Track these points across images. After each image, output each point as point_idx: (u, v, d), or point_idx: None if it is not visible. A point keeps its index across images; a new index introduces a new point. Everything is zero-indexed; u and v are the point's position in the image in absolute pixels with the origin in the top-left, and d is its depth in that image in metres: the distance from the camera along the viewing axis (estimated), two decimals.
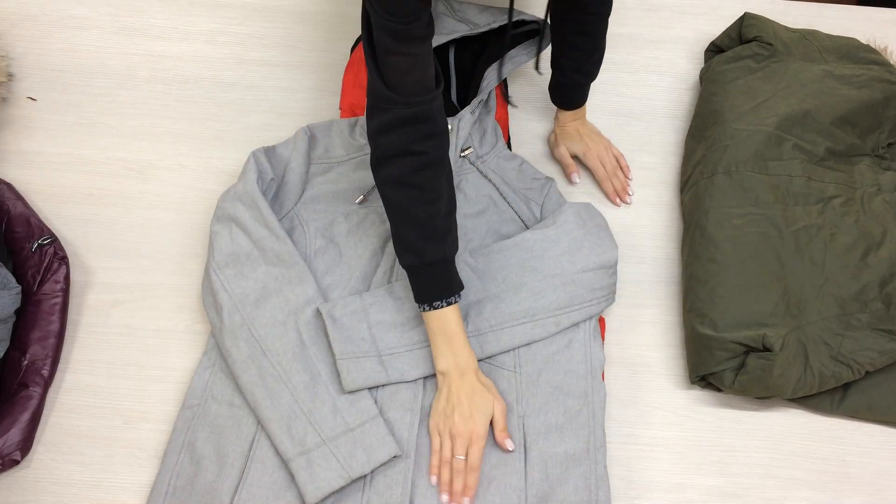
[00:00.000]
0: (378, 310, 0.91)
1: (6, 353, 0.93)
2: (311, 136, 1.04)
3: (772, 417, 0.98)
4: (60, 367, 0.95)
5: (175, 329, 0.99)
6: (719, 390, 0.97)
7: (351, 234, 0.99)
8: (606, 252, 0.96)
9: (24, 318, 0.95)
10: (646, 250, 1.08)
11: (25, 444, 0.89)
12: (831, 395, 0.96)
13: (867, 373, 0.95)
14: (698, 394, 0.99)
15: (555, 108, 1.11)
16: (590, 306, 0.95)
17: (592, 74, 1.05)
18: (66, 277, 0.97)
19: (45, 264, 0.97)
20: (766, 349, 0.91)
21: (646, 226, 1.09)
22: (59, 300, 0.96)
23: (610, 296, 0.97)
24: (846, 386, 0.97)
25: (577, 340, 0.94)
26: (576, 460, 0.88)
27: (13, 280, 0.93)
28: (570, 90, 1.07)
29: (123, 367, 0.97)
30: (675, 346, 1.01)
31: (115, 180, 1.09)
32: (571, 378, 0.92)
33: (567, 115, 1.10)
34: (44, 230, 0.99)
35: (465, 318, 0.92)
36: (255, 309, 0.91)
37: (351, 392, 0.87)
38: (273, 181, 1.00)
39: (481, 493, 0.86)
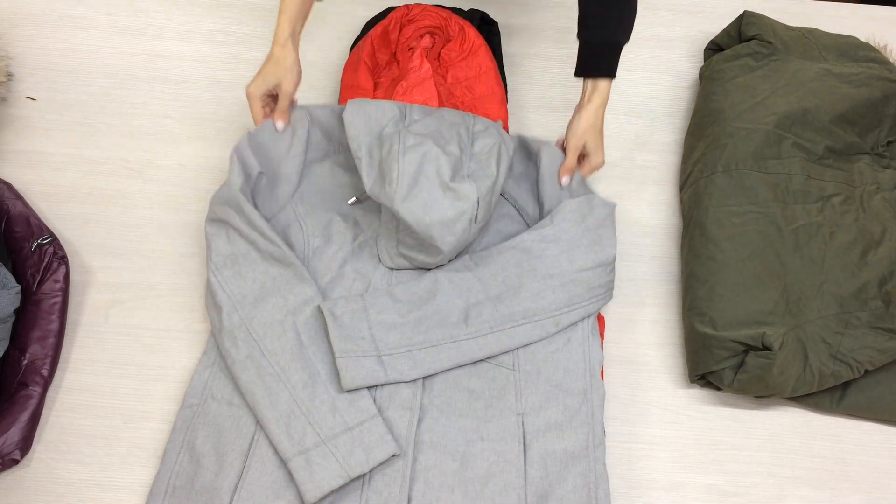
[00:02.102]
0: (378, 310, 0.91)
1: (6, 353, 0.93)
2: (312, 118, 1.01)
3: (771, 416, 0.98)
4: (60, 366, 0.95)
5: (174, 328, 0.99)
6: (719, 389, 0.97)
7: (349, 232, 0.99)
8: (605, 249, 0.96)
9: (24, 317, 0.95)
10: (645, 249, 1.08)
11: (25, 444, 0.89)
12: (831, 394, 0.96)
13: (866, 371, 0.94)
14: (698, 392, 0.99)
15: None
16: (588, 304, 0.95)
17: (625, 34, 0.96)
18: (66, 277, 0.97)
19: (44, 264, 0.97)
20: (766, 348, 0.91)
21: (645, 224, 1.09)
22: (58, 300, 0.96)
23: (608, 293, 0.97)
24: (846, 384, 0.97)
25: (575, 339, 0.94)
26: (575, 458, 0.88)
27: (13, 279, 0.93)
28: (596, 48, 0.96)
29: (123, 367, 0.97)
30: (675, 345, 1.01)
31: (114, 180, 1.09)
32: (570, 376, 0.92)
33: (587, 93, 0.98)
34: (43, 230, 0.99)
35: (466, 319, 0.92)
36: (254, 309, 0.91)
37: (350, 391, 0.87)
38: (262, 175, 0.97)
39: (480, 490, 0.86)
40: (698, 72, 1.19)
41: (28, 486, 0.90)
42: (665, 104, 1.20)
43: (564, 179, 0.99)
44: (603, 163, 1.00)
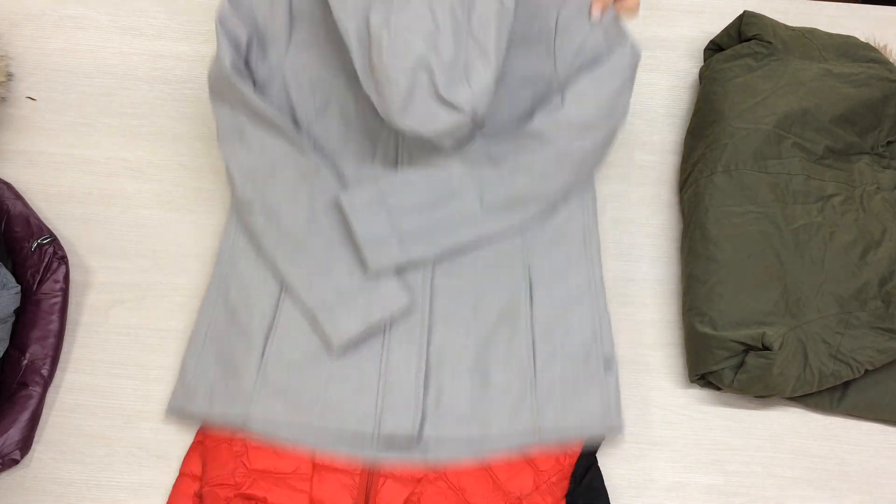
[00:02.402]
0: (395, 195, 0.93)
1: (6, 353, 0.93)
2: None
3: (771, 416, 0.98)
4: (60, 366, 0.96)
5: (175, 329, 0.99)
6: (719, 389, 0.97)
7: (350, 89, 0.97)
8: (616, 119, 0.97)
9: (24, 317, 0.95)
10: (645, 249, 1.08)
11: (25, 444, 0.89)
12: (831, 394, 0.96)
13: (867, 371, 0.94)
14: (697, 393, 0.99)
15: None
16: (593, 171, 1.01)
17: None
18: (66, 277, 0.97)
19: (44, 264, 0.97)
20: (766, 348, 0.91)
21: (645, 225, 1.09)
22: (58, 300, 0.96)
23: (608, 153, 1.01)
24: (846, 384, 0.97)
25: (573, 193, 1.00)
26: (578, 299, 0.95)
27: (13, 280, 0.93)
28: None
29: (123, 367, 0.97)
30: (675, 345, 1.01)
31: (114, 180, 1.09)
32: (571, 224, 0.99)
33: None
34: (43, 230, 0.99)
35: (481, 201, 0.95)
36: (266, 182, 0.94)
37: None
38: (251, 41, 0.95)
39: (492, 330, 0.93)
40: (698, 72, 1.19)
41: (28, 486, 0.90)
42: (665, 104, 1.20)
43: (596, 12, 0.96)
44: (638, 5, 0.97)
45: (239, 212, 0.97)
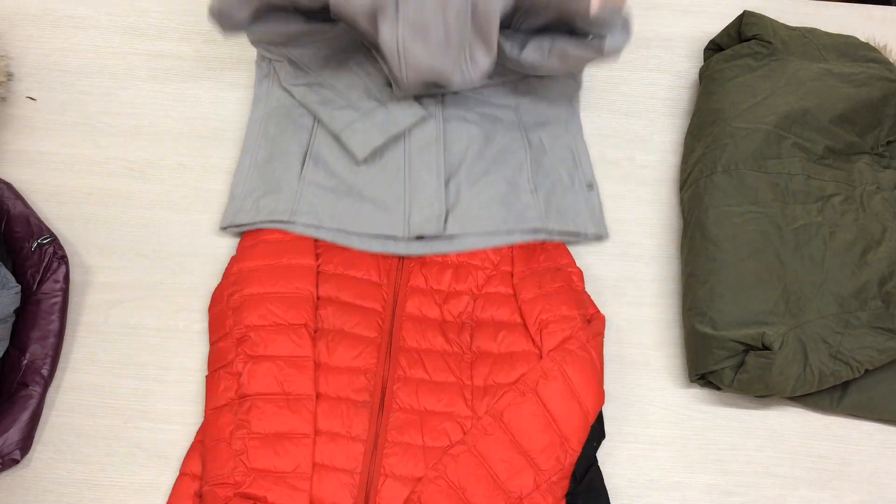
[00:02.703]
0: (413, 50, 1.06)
1: (6, 353, 0.93)
2: None
3: (771, 416, 0.98)
4: (60, 366, 0.96)
5: (175, 328, 0.99)
6: (719, 389, 0.97)
7: None
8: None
9: (24, 317, 0.95)
10: (645, 248, 1.08)
11: (25, 444, 0.89)
12: (831, 394, 0.96)
13: (867, 371, 0.94)
14: (697, 392, 0.99)
15: None
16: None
17: None
18: (66, 277, 0.97)
19: (44, 264, 0.97)
20: (766, 348, 0.91)
21: (645, 224, 1.09)
22: (58, 299, 0.96)
23: None
24: (846, 384, 0.97)
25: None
26: (560, 137, 1.11)
27: (13, 279, 0.93)
28: None
29: (123, 367, 0.97)
30: (675, 345, 1.01)
31: (115, 180, 1.09)
32: (557, 82, 1.13)
33: None
34: (43, 229, 0.99)
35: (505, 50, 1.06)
36: (285, 46, 1.09)
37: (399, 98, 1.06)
38: None
39: (496, 150, 1.06)
40: (698, 72, 1.19)
41: (28, 486, 0.90)
42: (665, 104, 1.20)
43: (595, 3, 1.01)
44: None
45: (269, 59, 1.12)
